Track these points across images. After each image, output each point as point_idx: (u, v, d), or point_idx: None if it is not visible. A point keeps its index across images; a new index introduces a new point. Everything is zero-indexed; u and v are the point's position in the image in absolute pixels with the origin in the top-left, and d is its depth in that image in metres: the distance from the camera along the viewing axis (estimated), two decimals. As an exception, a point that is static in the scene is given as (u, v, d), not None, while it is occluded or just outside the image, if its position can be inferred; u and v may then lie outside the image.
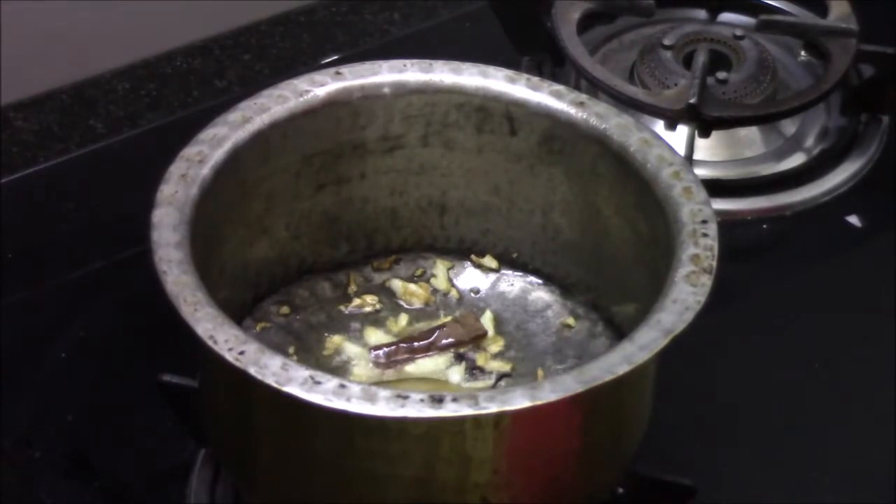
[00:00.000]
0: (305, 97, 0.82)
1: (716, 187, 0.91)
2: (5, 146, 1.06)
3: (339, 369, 0.84)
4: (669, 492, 0.80)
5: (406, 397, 0.67)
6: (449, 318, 0.87)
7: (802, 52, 1.12)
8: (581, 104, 0.83)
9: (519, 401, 0.68)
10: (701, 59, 1.04)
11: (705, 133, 1.02)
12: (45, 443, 0.87)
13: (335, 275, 0.89)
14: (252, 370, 0.68)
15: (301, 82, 0.83)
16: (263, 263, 0.86)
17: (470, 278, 0.90)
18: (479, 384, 0.84)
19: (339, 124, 0.84)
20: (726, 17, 1.14)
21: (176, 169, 0.77)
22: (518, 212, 0.88)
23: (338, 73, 0.84)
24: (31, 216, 1.01)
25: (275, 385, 0.68)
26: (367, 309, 0.88)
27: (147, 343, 0.90)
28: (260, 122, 0.81)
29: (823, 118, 1.09)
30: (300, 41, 1.17)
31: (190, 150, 0.78)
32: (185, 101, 1.11)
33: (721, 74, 1.05)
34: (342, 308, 0.88)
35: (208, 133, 0.79)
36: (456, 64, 0.85)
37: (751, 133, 1.07)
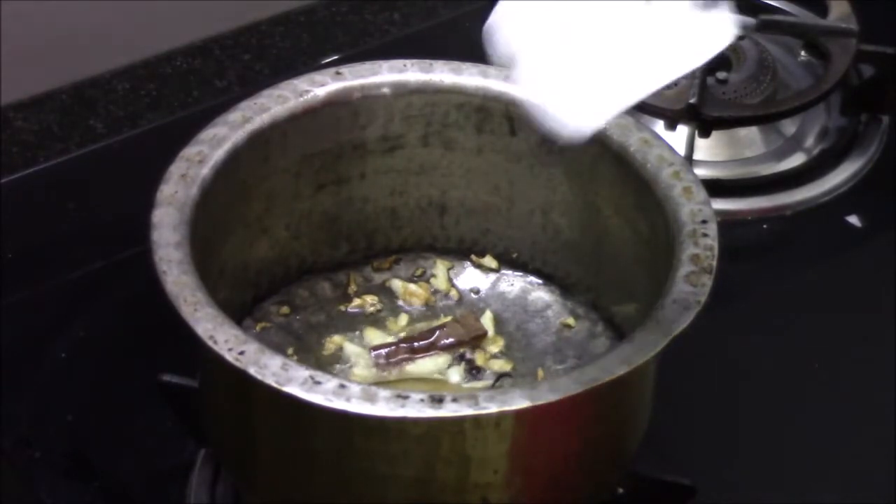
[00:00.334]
0: (305, 97, 0.82)
1: (716, 187, 0.91)
2: (5, 146, 1.06)
3: (339, 369, 0.84)
4: (669, 492, 0.80)
5: (406, 397, 0.67)
6: (449, 318, 0.87)
7: (802, 52, 1.12)
8: None
9: (519, 401, 0.68)
10: (701, 59, 1.04)
11: (705, 133, 1.02)
12: (45, 443, 0.87)
13: (335, 275, 0.89)
14: (252, 370, 0.68)
15: (301, 82, 0.83)
16: (263, 263, 0.86)
17: (470, 278, 0.90)
18: (479, 384, 0.84)
19: (339, 124, 0.84)
20: (726, 17, 1.14)
21: (176, 169, 0.77)
22: (518, 212, 0.88)
23: (338, 73, 0.84)
24: (31, 216, 1.01)
25: (275, 385, 0.68)
26: (368, 309, 0.88)
27: (147, 343, 0.90)
28: (260, 122, 0.81)
29: (823, 118, 1.09)
30: (300, 41, 1.17)
31: (190, 150, 0.78)
32: (185, 101, 1.11)
33: (721, 74, 1.05)
34: (342, 308, 0.88)
35: (208, 133, 0.79)
36: (456, 64, 0.85)
37: (751, 133, 1.07)
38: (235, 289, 0.83)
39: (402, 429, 0.69)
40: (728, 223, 0.99)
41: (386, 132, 0.85)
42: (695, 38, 0.68)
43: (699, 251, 0.75)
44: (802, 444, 0.88)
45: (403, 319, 0.87)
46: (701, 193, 0.78)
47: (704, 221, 0.76)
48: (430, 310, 0.88)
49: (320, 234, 0.87)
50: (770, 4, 1.14)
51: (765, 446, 0.87)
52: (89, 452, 0.87)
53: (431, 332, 0.85)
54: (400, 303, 0.89)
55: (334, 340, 0.86)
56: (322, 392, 0.67)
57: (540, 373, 0.85)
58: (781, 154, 1.07)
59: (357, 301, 0.88)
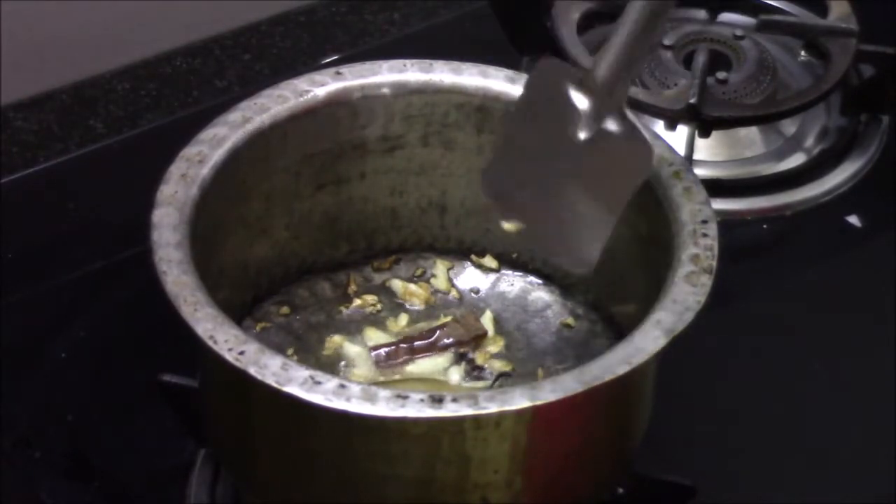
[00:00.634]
0: (305, 97, 0.82)
1: (716, 187, 0.91)
2: (5, 146, 1.06)
3: (339, 369, 0.84)
4: (669, 492, 0.80)
5: (406, 397, 0.67)
6: (449, 318, 0.87)
7: (802, 52, 1.12)
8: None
9: (519, 401, 0.68)
10: (701, 59, 1.04)
11: (705, 133, 1.02)
12: (45, 443, 0.87)
13: (335, 275, 0.89)
14: (252, 370, 0.68)
15: (301, 82, 0.83)
16: (263, 263, 0.86)
17: (470, 278, 0.90)
18: (479, 384, 0.84)
19: (338, 124, 0.84)
20: (726, 17, 1.14)
21: (176, 169, 0.77)
22: (518, 212, 0.88)
23: (338, 73, 0.84)
24: (31, 216, 1.01)
25: (275, 385, 0.68)
26: (368, 309, 0.88)
27: (147, 343, 0.90)
28: (260, 122, 0.81)
29: (823, 118, 1.09)
30: (300, 41, 1.17)
31: (190, 150, 0.78)
32: (185, 101, 1.11)
33: (721, 74, 1.05)
34: (342, 308, 0.88)
35: (208, 133, 0.79)
36: (456, 64, 0.85)
37: (751, 133, 1.07)
38: (235, 289, 0.83)
39: (403, 429, 0.69)
40: (728, 223, 0.99)
41: (386, 132, 0.85)
42: (630, 161, 0.75)
43: (699, 251, 0.75)
44: (802, 444, 0.88)
45: (403, 319, 0.87)
46: (701, 193, 0.78)
47: (704, 221, 0.76)
48: (430, 310, 0.88)
49: (320, 234, 0.87)
50: (770, 4, 1.14)
51: (765, 446, 0.87)
52: (89, 452, 0.87)
53: (431, 332, 0.85)
54: (400, 303, 0.89)
55: (334, 340, 0.86)
56: (322, 392, 0.67)
57: (540, 373, 0.85)
58: (781, 154, 1.07)
59: (357, 301, 0.88)
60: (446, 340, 0.85)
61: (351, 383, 0.68)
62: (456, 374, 0.84)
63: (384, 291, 0.89)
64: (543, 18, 1.08)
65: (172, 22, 1.12)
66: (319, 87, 0.83)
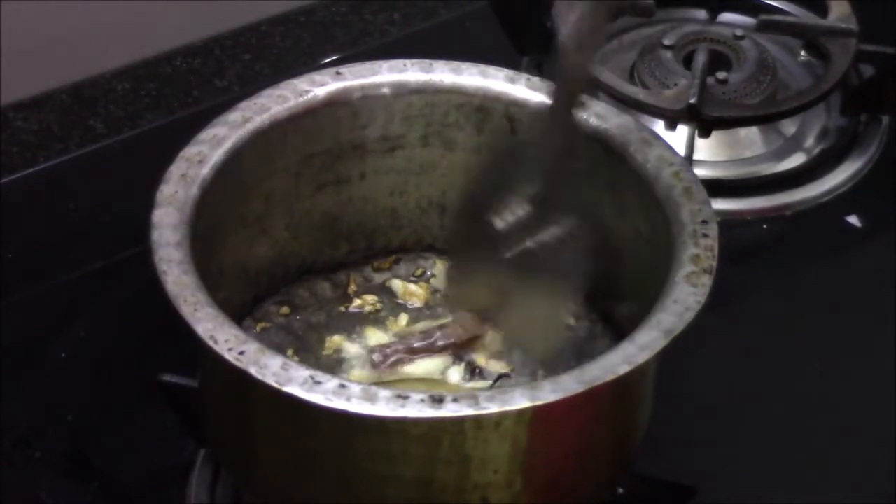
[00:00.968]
0: (305, 97, 0.82)
1: (716, 187, 0.91)
2: (5, 146, 1.06)
3: (339, 369, 0.84)
4: (669, 492, 0.80)
5: (406, 397, 0.67)
6: (448, 319, 0.87)
7: (802, 52, 1.12)
8: (581, 104, 0.83)
9: (519, 401, 0.68)
10: (701, 59, 1.04)
11: (705, 133, 1.02)
12: (45, 443, 0.87)
13: (335, 275, 0.89)
14: (252, 370, 0.68)
15: (301, 82, 0.83)
16: (263, 263, 0.86)
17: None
18: (479, 384, 0.84)
19: (338, 124, 0.84)
20: (726, 17, 1.14)
21: (176, 169, 0.77)
22: (518, 212, 0.88)
23: (338, 73, 0.84)
24: (31, 216, 1.01)
25: (275, 385, 0.68)
26: (367, 309, 0.88)
27: (147, 343, 0.90)
28: (260, 122, 0.81)
29: (823, 118, 1.09)
30: (300, 41, 1.17)
31: (190, 150, 0.78)
32: (185, 101, 1.11)
33: (721, 74, 1.05)
34: (342, 308, 0.88)
35: (208, 133, 0.79)
36: (456, 64, 0.85)
37: (751, 133, 1.07)
38: (235, 289, 0.83)
39: (403, 429, 0.69)
40: (728, 223, 0.99)
41: (386, 132, 0.85)
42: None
43: (699, 251, 0.75)
44: (802, 444, 0.88)
45: (403, 319, 0.87)
46: (701, 193, 0.78)
47: (705, 221, 0.76)
48: (430, 310, 0.88)
49: (320, 234, 0.87)
50: (770, 4, 1.14)
51: (765, 446, 0.87)
52: (89, 452, 0.87)
53: (431, 332, 0.85)
54: (400, 303, 0.88)
55: (334, 340, 0.85)
56: (322, 392, 0.67)
57: (540, 373, 0.85)
58: (781, 154, 1.07)
59: (357, 301, 0.88)
60: (444, 341, 0.85)
61: (351, 383, 0.68)
62: (455, 375, 0.84)
63: (384, 291, 0.89)
64: (543, 18, 1.08)
65: (172, 22, 1.12)
66: (319, 87, 0.83)
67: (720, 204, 0.98)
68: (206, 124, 0.80)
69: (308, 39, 1.17)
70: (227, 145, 0.79)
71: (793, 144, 1.08)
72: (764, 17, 1.11)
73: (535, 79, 0.85)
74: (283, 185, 0.84)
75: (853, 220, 1.03)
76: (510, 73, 0.85)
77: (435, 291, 0.89)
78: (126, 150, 1.07)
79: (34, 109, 1.08)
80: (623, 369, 0.69)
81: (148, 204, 0.75)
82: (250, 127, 0.80)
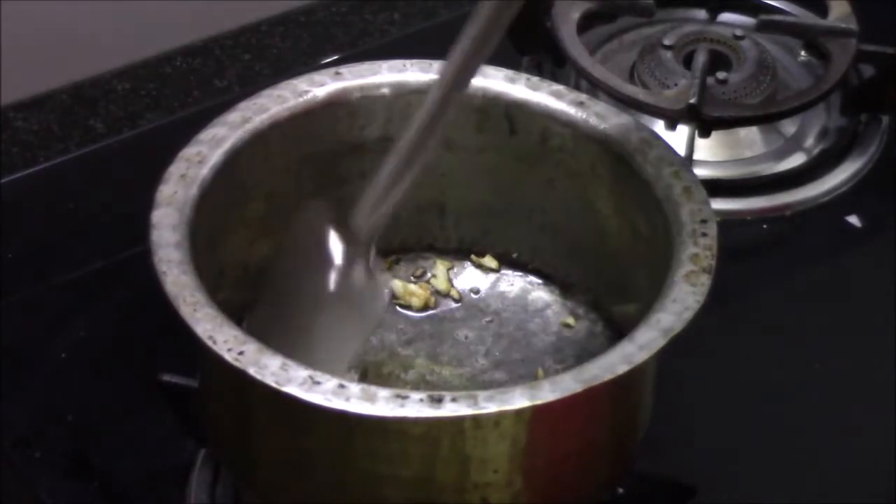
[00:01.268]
0: (305, 97, 0.82)
1: (716, 187, 0.91)
2: (5, 146, 1.06)
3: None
4: (669, 492, 0.80)
5: (405, 397, 0.67)
6: None
7: (802, 52, 1.12)
8: (581, 104, 0.83)
9: (518, 400, 0.68)
10: (701, 59, 1.04)
11: (705, 133, 1.02)
12: (45, 443, 0.87)
13: (335, 275, 0.89)
14: (251, 370, 0.68)
15: (300, 82, 0.83)
16: (263, 263, 0.85)
17: (470, 278, 0.90)
18: None
19: (338, 124, 0.84)
20: (726, 17, 1.14)
21: (175, 169, 0.77)
22: (518, 212, 0.87)
23: (337, 74, 0.84)
24: (31, 216, 1.01)
25: (274, 385, 0.68)
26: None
27: (147, 343, 0.90)
28: (259, 122, 0.81)
29: (823, 118, 1.09)
30: (300, 41, 1.17)
31: (189, 151, 0.78)
32: (185, 101, 1.11)
33: (721, 74, 1.05)
34: (342, 308, 0.88)
35: (208, 133, 0.79)
36: (456, 64, 0.85)
37: (751, 133, 1.07)
38: (235, 289, 0.83)
39: (402, 429, 0.69)
40: (728, 223, 0.99)
41: (385, 132, 0.85)
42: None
43: (699, 251, 0.75)
44: (802, 444, 0.88)
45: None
46: (701, 193, 0.78)
47: (704, 221, 0.76)
48: (431, 310, 0.88)
49: (320, 234, 0.87)
50: (770, 4, 1.14)
51: (765, 446, 0.87)
52: (89, 452, 0.87)
53: None
54: (400, 303, 0.88)
55: None
56: (321, 392, 0.67)
57: (540, 372, 0.85)
58: (781, 154, 1.07)
59: (357, 301, 0.88)
60: None
61: (350, 383, 0.68)
62: None
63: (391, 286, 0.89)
64: (543, 18, 1.08)
65: (172, 22, 1.12)
66: (319, 87, 0.83)
67: (720, 204, 0.98)
68: (206, 124, 0.80)
69: (308, 39, 1.17)
70: (227, 145, 0.79)
71: (793, 144, 1.08)
72: (764, 17, 1.11)
73: (535, 79, 0.85)
74: (283, 185, 0.84)
75: (853, 220, 1.03)
76: (510, 72, 0.85)
77: (435, 291, 0.89)
78: (126, 150, 1.07)
79: (34, 109, 1.08)
80: (622, 369, 0.69)
81: (148, 204, 0.75)
82: (250, 127, 0.80)
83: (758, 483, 0.86)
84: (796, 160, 1.07)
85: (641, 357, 0.70)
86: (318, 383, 0.68)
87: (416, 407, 0.67)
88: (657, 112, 1.02)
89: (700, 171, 0.88)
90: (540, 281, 0.89)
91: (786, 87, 1.08)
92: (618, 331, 0.84)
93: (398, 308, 0.88)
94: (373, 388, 0.68)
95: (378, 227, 0.79)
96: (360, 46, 1.16)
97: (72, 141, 1.08)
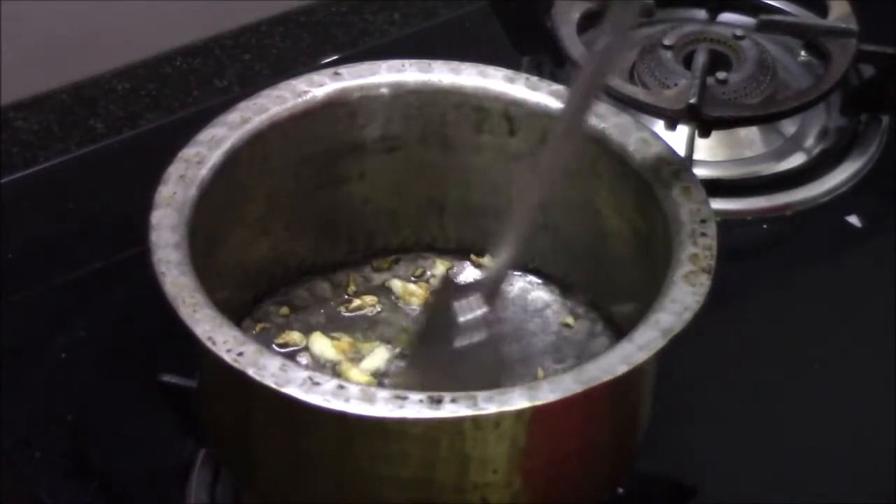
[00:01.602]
0: (304, 97, 0.82)
1: (716, 187, 0.91)
2: (5, 146, 1.06)
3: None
4: (669, 492, 0.80)
5: (405, 398, 0.67)
6: None
7: (802, 52, 1.12)
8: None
9: (518, 401, 0.68)
10: (701, 59, 1.04)
11: (705, 133, 1.02)
12: (45, 443, 0.87)
13: (335, 275, 0.89)
14: (251, 371, 0.68)
15: (300, 83, 0.83)
16: (263, 263, 0.86)
17: (470, 278, 0.90)
18: None
19: (337, 124, 0.84)
20: (726, 17, 1.14)
21: (174, 170, 0.77)
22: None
23: (336, 74, 0.84)
24: (31, 216, 1.01)
25: (274, 386, 0.68)
26: (367, 309, 0.88)
27: (147, 343, 0.90)
28: (259, 122, 0.81)
29: (823, 118, 1.09)
30: (300, 41, 1.17)
31: (188, 151, 0.78)
32: (185, 101, 1.11)
33: (721, 74, 1.05)
34: (342, 308, 0.88)
35: (207, 134, 0.79)
36: (455, 64, 0.85)
37: (751, 133, 1.07)
38: (235, 289, 0.83)
39: (401, 429, 0.69)
40: (728, 223, 0.99)
41: (385, 132, 0.85)
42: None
43: (698, 251, 0.75)
44: (802, 444, 0.88)
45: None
46: (700, 193, 0.78)
47: (703, 221, 0.76)
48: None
49: (320, 234, 0.87)
50: (770, 4, 1.13)
51: (765, 446, 0.87)
52: (89, 452, 0.87)
53: None
54: (400, 303, 0.88)
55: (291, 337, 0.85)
56: (321, 393, 0.67)
57: (539, 372, 0.85)
58: (781, 154, 1.07)
59: (357, 301, 0.88)
60: None
61: (350, 384, 0.68)
62: None
63: (384, 291, 0.89)
64: (543, 18, 1.08)
65: (172, 22, 1.12)
66: (318, 87, 0.83)
67: (720, 204, 0.98)
68: (206, 124, 0.80)
69: (308, 39, 1.17)
70: (226, 146, 0.79)
71: (793, 144, 1.08)
72: (764, 17, 1.11)
73: (535, 79, 0.85)
74: (283, 185, 0.84)
75: (853, 220, 1.02)
76: (509, 72, 0.85)
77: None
78: (126, 150, 1.07)
79: (34, 109, 1.08)
80: (622, 369, 0.70)
81: (147, 204, 0.75)
82: (249, 127, 0.80)
83: (758, 483, 0.86)
84: (796, 160, 1.07)
85: (641, 357, 0.70)
86: (318, 384, 0.68)
87: (415, 408, 0.67)
88: (657, 112, 1.02)
89: (700, 171, 0.88)
90: (539, 281, 0.89)
91: (786, 87, 1.08)
92: (618, 331, 0.84)
93: (398, 308, 0.88)
94: (372, 389, 0.68)
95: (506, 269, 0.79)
96: (360, 46, 1.16)
97: (72, 141, 1.08)
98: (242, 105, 0.81)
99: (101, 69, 1.11)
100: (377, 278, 0.89)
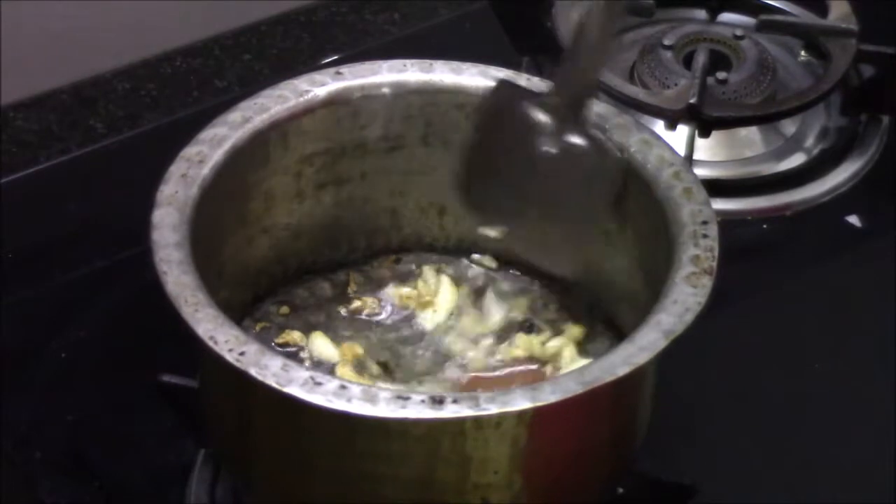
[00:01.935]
0: (305, 97, 0.82)
1: (716, 187, 0.91)
2: (5, 146, 1.06)
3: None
4: (669, 492, 0.80)
5: (407, 398, 0.67)
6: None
7: (802, 52, 1.12)
8: (587, 111, 0.83)
9: (519, 402, 0.68)
10: (701, 59, 1.04)
11: (705, 133, 1.02)
12: (45, 443, 0.87)
13: (335, 275, 0.89)
14: (253, 371, 0.68)
15: (301, 82, 0.83)
16: (263, 263, 0.86)
17: (469, 278, 0.90)
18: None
19: (338, 124, 0.84)
20: (726, 17, 1.14)
21: (176, 169, 0.77)
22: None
23: (338, 73, 0.84)
24: (31, 216, 1.01)
25: (276, 386, 0.68)
26: (367, 309, 0.88)
27: (147, 343, 0.90)
28: (260, 122, 0.81)
29: (823, 118, 1.09)
30: (300, 41, 1.17)
31: (190, 151, 0.78)
32: (185, 101, 1.11)
33: (721, 74, 1.05)
34: (342, 308, 0.88)
35: (208, 133, 0.79)
36: (456, 64, 0.85)
37: (751, 133, 1.07)
38: (235, 289, 0.83)
39: (403, 429, 0.69)
40: (728, 223, 0.99)
41: (386, 132, 0.85)
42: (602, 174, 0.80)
43: (699, 252, 0.75)
44: (802, 444, 0.88)
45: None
46: (701, 194, 0.78)
47: (705, 222, 0.76)
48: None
49: (320, 234, 0.87)
50: (770, 4, 1.14)
51: (765, 446, 0.87)
52: (89, 452, 0.87)
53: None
54: (399, 303, 0.88)
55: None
56: (323, 393, 0.67)
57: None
58: (781, 154, 1.07)
59: (357, 301, 0.88)
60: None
61: (351, 384, 0.68)
62: None
63: (384, 292, 0.89)
64: (543, 18, 1.08)
65: (172, 22, 1.12)
66: (319, 87, 0.83)
67: (720, 204, 0.97)
68: (206, 124, 0.80)
69: (308, 39, 1.17)
70: (227, 145, 0.79)
71: (793, 144, 1.08)
72: (764, 17, 1.11)
73: (535, 79, 0.85)
74: (283, 185, 0.84)
75: (853, 220, 1.03)
76: (510, 72, 0.85)
77: (434, 292, 0.89)
78: (126, 150, 1.07)
79: (34, 109, 1.08)
80: (623, 370, 0.70)
81: (148, 204, 0.75)
82: (250, 127, 0.80)
83: (758, 483, 0.86)
84: (796, 160, 1.07)
85: (642, 358, 0.70)
86: (320, 384, 0.68)
87: (417, 408, 0.67)
88: (657, 112, 1.02)
89: (700, 171, 0.88)
90: (539, 281, 0.89)
91: (786, 87, 1.08)
92: (618, 331, 0.84)
93: (398, 308, 0.88)
94: (373, 389, 0.68)
95: (583, 93, 0.79)
96: (360, 46, 1.16)
97: (72, 141, 1.08)
98: (244, 104, 0.81)
99: (101, 69, 1.11)
100: (377, 278, 0.89)
